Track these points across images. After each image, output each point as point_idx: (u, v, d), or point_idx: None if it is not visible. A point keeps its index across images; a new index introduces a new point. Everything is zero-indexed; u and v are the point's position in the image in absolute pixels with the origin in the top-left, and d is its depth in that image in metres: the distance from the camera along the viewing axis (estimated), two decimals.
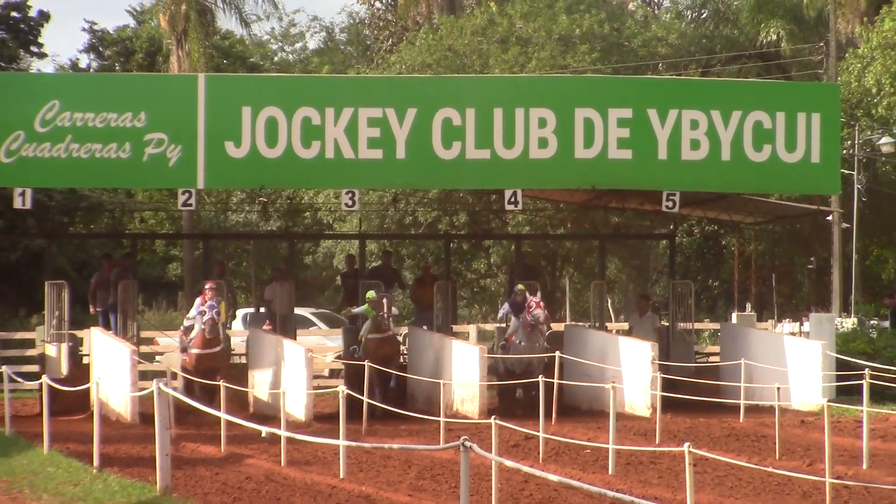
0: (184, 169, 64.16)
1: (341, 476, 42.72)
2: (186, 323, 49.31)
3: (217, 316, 46.72)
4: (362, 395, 48.72)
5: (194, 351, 45.48)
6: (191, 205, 69.36)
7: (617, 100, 67.06)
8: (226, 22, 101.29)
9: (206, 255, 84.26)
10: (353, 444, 43.78)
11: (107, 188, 70.72)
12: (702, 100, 67.91)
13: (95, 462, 43.44)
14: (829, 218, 66.97)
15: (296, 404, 53.65)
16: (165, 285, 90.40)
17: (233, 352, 67.09)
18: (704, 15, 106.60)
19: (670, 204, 65.89)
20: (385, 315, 49.57)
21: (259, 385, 57.69)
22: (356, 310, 53.87)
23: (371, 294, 50.05)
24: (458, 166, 65.45)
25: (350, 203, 69.97)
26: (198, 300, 47.73)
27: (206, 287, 49.54)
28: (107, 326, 66.68)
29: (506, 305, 56.02)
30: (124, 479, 41.18)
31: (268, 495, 40.05)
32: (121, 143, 63.24)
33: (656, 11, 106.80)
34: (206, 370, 43.99)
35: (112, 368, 60.02)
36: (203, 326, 44.96)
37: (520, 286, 60.51)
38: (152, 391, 42.61)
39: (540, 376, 47.16)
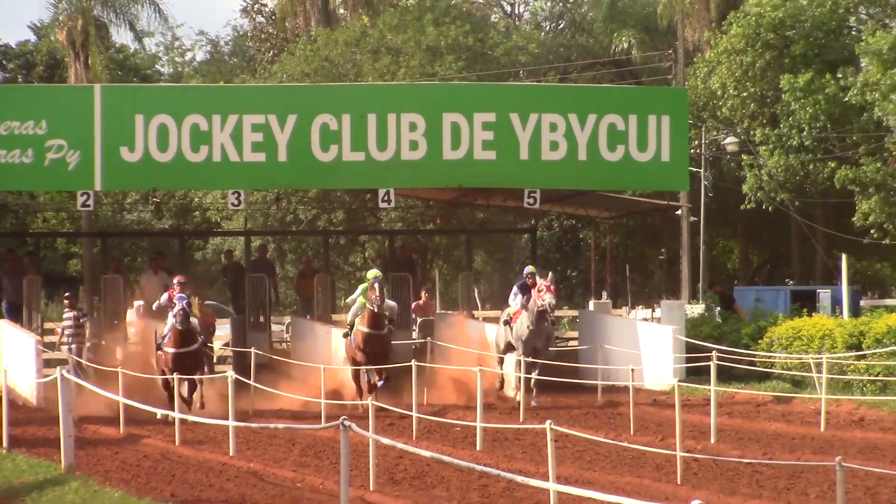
0: (82, 172, 64.49)
1: (231, 454, 42.85)
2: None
3: (188, 307, 44.24)
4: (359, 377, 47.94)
5: (170, 350, 42.88)
6: (89, 206, 69.86)
7: (481, 105, 67.11)
8: (120, 37, 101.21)
9: (104, 251, 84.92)
10: (242, 424, 44.06)
11: (10, 191, 70.68)
12: (560, 104, 67.92)
13: (4, 443, 44.01)
14: (678, 212, 67.39)
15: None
16: (67, 280, 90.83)
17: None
18: (562, 25, 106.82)
19: (531, 201, 66.33)
20: (373, 303, 45.63)
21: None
22: (351, 297, 49.58)
23: (372, 274, 46.65)
24: (335, 168, 65.46)
25: (236, 203, 70.82)
26: (164, 295, 45.70)
27: (175, 282, 47.44)
28: (11, 317, 67.25)
29: (515, 288, 52.69)
30: (31, 459, 41.86)
31: (163, 472, 40.17)
32: (24, 150, 63.64)
33: (517, 23, 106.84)
34: (184, 368, 41.48)
35: (18, 357, 61.30)
36: (174, 319, 41.99)
37: (530, 268, 57.24)
38: (55, 378, 43.06)
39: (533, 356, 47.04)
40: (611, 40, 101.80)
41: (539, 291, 46.89)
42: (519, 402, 48.19)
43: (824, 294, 76.86)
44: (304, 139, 64.10)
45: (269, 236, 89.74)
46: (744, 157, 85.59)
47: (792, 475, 36.19)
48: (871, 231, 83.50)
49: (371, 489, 33.25)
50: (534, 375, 46.95)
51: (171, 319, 43.92)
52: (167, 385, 43.65)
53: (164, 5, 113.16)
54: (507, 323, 47.51)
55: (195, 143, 63.96)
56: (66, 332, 66.32)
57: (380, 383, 46.62)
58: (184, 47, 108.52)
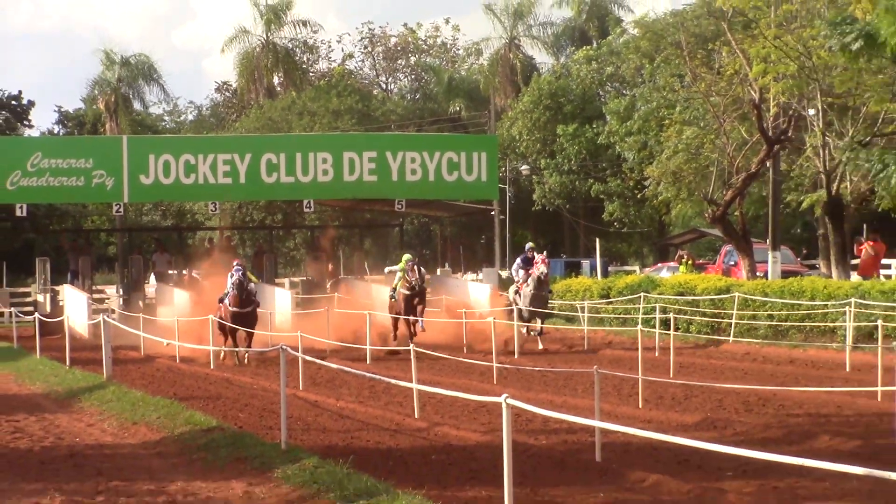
0: (115, 191, 64.73)
1: (211, 367, 43.25)
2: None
3: (243, 277, 42.36)
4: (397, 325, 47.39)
5: (231, 308, 40.93)
6: (120, 212, 71.71)
7: (367, 147, 66.84)
8: (138, 105, 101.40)
9: (130, 241, 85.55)
10: (223, 349, 45.10)
11: (70, 203, 70.75)
12: (417, 146, 67.88)
13: (67, 362, 44.23)
14: (493, 213, 67.52)
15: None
16: (107, 259, 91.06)
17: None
18: (417, 96, 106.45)
19: (399, 207, 65.90)
20: (411, 275, 45.92)
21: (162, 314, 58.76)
22: (394, 268, 50.89)
23: (406, 257, 47.27)
24: (276, 187, 65.67)
25: (213, 209, 72.21)
26: (231, 273, 43.16)
27: (235, 263, 45.11)
28: (73, 283, 68.05)
29: (518, 261, 50.31)
30: (84, 373, 41.65)
31: (168, 380, 40.78)
32: (78, 177, 63.83)
33: (389, 94, 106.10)
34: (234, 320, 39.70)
35: (76, 308, 61.74)
36: (233, 289, 40.60)
37: (530, 244, 54.18)
38: (99, 320, 43.86)
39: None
40: (449, 105, 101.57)
41: (536, 264, 46.03)
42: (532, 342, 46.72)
43: (586, 263, 78.04)
44: (255, 169, 64.45)
45: (234, 230, 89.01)
46: (534, 177, 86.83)
47: (567, 378, 36.65)
48: (615, 223, 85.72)
49: (300, 389, 34.04)
50: (539, 325, 45.84)
51: (229, 285, 42.58)
52: (222, 328, 42.03)
53: (167, 86, 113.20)
54: (517, 292, 45.91)
55: (187, 172, 64.19)
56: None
57: (420, 325, 46.04)
58: (179, 110, 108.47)
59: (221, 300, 42.80)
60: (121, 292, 67.43)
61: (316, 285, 64.97)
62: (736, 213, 60.92)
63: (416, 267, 45.83)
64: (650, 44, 72.96)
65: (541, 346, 46.14)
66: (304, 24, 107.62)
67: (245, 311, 40.68)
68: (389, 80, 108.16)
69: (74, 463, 24.25)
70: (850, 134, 57.26)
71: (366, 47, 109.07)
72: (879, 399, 25.32)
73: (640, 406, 28.06)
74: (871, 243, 50.32)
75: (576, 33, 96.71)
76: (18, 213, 67.30)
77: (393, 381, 28.80)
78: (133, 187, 65.02)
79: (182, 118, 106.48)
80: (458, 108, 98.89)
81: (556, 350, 48.91)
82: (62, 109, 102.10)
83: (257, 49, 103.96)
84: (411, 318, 43.86)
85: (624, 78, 79.12)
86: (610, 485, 20.21)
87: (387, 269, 52.24)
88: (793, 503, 17.85)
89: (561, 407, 22.03)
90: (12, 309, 64.00)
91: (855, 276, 49.75)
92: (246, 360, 40.81)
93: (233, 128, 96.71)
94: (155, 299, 61.53)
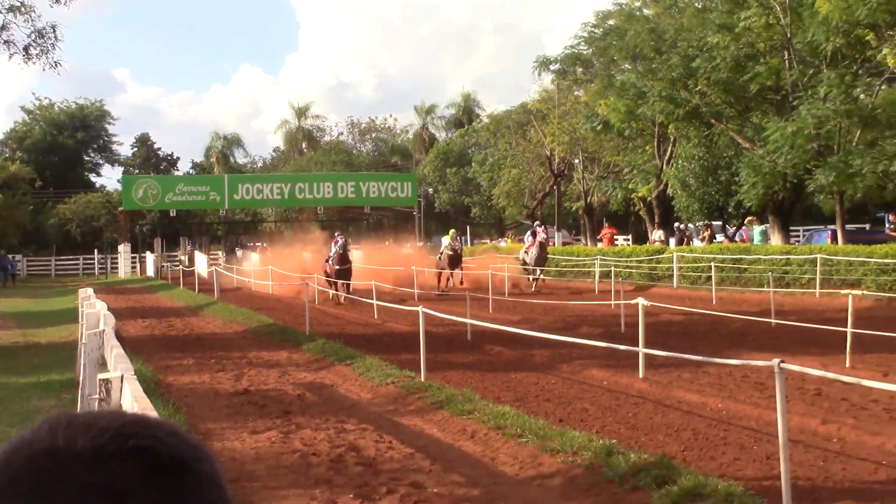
0: (220, 203, 64.22)
1: (271, 292, 42.02)
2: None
3: (341, 248, 37.12)
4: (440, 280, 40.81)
5: (335, 267, 35.97)
6: (224, 214, 70.44)
7: (350, 179, 66.26)
8: (232, 159, 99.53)
9: (228, 229, 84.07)
10: (330, 291, 43.73)
11: (197, 209, 69.09)
12: (375, 179, 67.29)
13: (196, 290, 43.85)
14: (414, 213, 66.32)
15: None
16: (217, 237, 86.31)
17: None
18: (376, 153, 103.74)
19: (366, 209, 65.39)
20: (455, 243, 40.60)
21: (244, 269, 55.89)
22: (442, 238, 43.46)
23: (452, 232, 41.57)
24: (303, 200, 65.46)
25: (270, 212, 71.38)
26: (334, 244, 38.26)
27: (336, 235, 40.57)
28: (199, 250, 65.54)
29: (528, 233, 42.82)
30: (205, 296, 40.57)
31: (251, 300, 39.01)
32: (201, 196, 63.55)
33: (362, 153, 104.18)
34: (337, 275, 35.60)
35: (201, 263, 57.90)
36: (337, 251, 36.33)
37: (537, 222, 46.61)
38: (213, 269, 43.37)
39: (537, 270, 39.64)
40: (392, 158, 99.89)
41: (537, 233, 40.06)
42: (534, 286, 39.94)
43: (465, 239, 76.77)
44: (293, 191, 64.07)
45: (278, 223, 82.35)
46: (435, 195, 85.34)
47: (456, 299, 35.70)
48: (477, 218, 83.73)
49: (316, 303, 32.46)
50: (540, 276, 39.98)
51: (333, 249, 37.62)
52: (329, 280, 37.05)
53: (247, 148, 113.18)
54: (525, 252, 40.92)
55: (258, 193, 64.36)
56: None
57: (460, 277, 40.73)
58: (254, 161, 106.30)
59: (327, 261, 37.94)
60: (223, 255, 66.77)
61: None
62: (538, 212, 61.46)
63: (459, 237, 41.99)
64: (494, 126, 72.94)
65: (533, 289, 38.74)
66: (317, 116, 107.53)
67: (345, 268, 36.82)
68: (361, 146, 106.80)
69: (199, 343, 24.39)
70: (596, 173, 57.73)
71: (349, 129, 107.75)
72: (612, 307, 25.30)
73: (490, 311, 27.88)
74: (608, 228, 50.21)
75: (456, 121, 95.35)
76: (172, 214, 67.56)
77: (365, 299, 28.81)
78: (230, 201, 64.84)
79: (255, 165, 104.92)
80: (396, 160, 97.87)
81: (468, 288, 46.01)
82: (194, 161, 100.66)
83: (293, 129, 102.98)
84: (452, 272, 40.36)
85: (481, 144, 78.44)
86: (475, 352, 20.48)
87: (442, 240, 43.48)
88: (568, 360, 17.96)
89: (451, 312, 22.03)
90: (168, 263, 63.42)
91: (599, 245, 49.53)
92: (343, 300, 35.80)
93: (281, 170, 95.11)
94: (241, 259, 60.64)
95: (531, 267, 39.62)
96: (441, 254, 41.27)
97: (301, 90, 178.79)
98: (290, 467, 10.95)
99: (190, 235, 74.43)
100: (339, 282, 36.24)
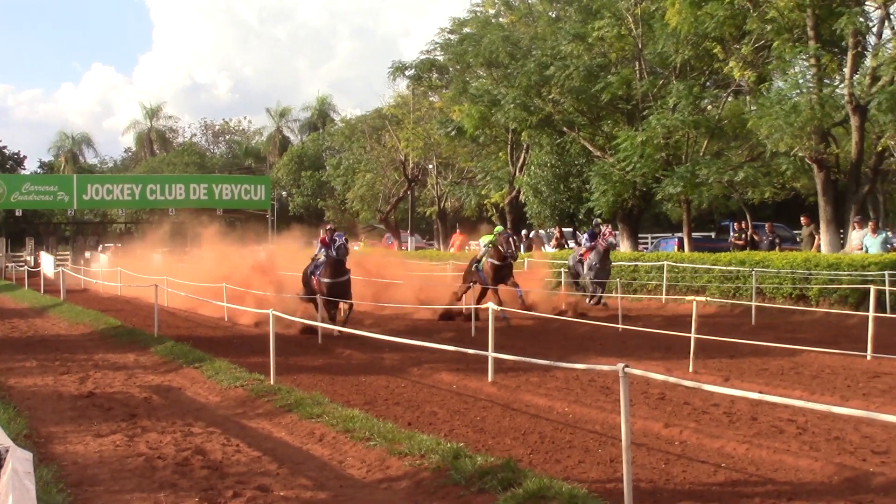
0: (69, 203, 63.16)
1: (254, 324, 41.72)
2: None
3: (341, 251, 25.04)
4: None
5: (325, 280, 25.30)
6: (72, 214, 68.54)
7: (202, 181, 65.62)
8: (81, 159, 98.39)
9: (76, 229, 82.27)
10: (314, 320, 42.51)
11: (44, 209, 68.22)
12: (229, 181, 66.94)
13: (41, 291, 42.43)
14: (267, 215, 65.67)
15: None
16: (64, 238, 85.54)
17: None
18: (231, 156, 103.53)
19: (219, 212, 64.44)
20: (505, 246, 27.38)
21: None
22: (480, 241, 31.49)
23: (498, 229, 28.56)
24: (154, 202, 64.37)
25: (120, 213, 69.16)
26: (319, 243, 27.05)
27: (328, 228, 27.66)
28: (46, 250, 63.99)
29: (587, 234, 31.37)
30: (51, 297, 39.34)
31: (94, 300, 37.81)
32: (49, 195, 62.51)
33: (216, 155, 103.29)
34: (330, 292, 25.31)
35: (47, 263, 57.51)
36: (332, 255, 24.74)
37: (598, 219, 34.38)
38: (60, 270, 42.13)
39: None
40: (245, 161, 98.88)
41: (604, 236, 29.05)
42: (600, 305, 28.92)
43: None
44: (144, 192, 63.28)
45: (129, 224, 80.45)
46: (289, 198, 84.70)
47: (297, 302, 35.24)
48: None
49: (167, 305, 31.23)
50: (600, 293, 28.76)
51: (323, 253, 26.38)
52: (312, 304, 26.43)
53: (97, 148, 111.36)
54: (580, 259, 29.82)
55: (108, 193, 63.04)
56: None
57: (520, 295, 27.18)
58: (105, 161, 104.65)
59: (313, 272, 26.71)
60: (70, 256, 65.38)
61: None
62: (392, 217, 61.70)
63: (509, 239, 28.21)
64: (349, 130, 72.79)
65: (603, 304, 28.93)
66: (170, 117, 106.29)
67: (341, 281, 25.60)
68: (215, 147, 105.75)
69: (43, 344, 23.92)
70: (450, 178, 58.07)
71: (203, 130, 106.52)
72: (464, 310, 25.41)
73: (342, 317, 27.83)
74: (459, 234, 50.50)
75: (311, 124, 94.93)
76: (17, 214, 65.92)
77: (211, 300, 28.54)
78: (79, 201, 63.67)
79: (106, 166, 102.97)
80: (250, 163, 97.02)
81: None
82: (42, 161, 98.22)
83: (144, 130, 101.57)
84: (500, 286, 27.24)
85: (336, 147, 78.18)
86: (326, 355, 20.54)
87: (482, 242, 30.86)
88: (418, 364, 18.10)
89: (304, 315, 21.94)
90: (13, 264, 61.89)
91: (451, 250, 49.83)
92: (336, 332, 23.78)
93: (132, 171, 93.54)
94: (90, 260, 59.40)
95: (588, 281, 29.32)
96: (479, 262, 28.39)
97: (155, 90, 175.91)
98: (135, 471, 10.78)
99: (36, 235, 72.72)
100: (334, 302, 25.35)
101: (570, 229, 46.30)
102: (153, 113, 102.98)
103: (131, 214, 75.91)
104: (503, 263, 26.96)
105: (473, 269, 28.31)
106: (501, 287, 27.06)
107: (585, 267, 29.16)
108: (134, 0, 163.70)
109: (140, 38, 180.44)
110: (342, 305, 25.16)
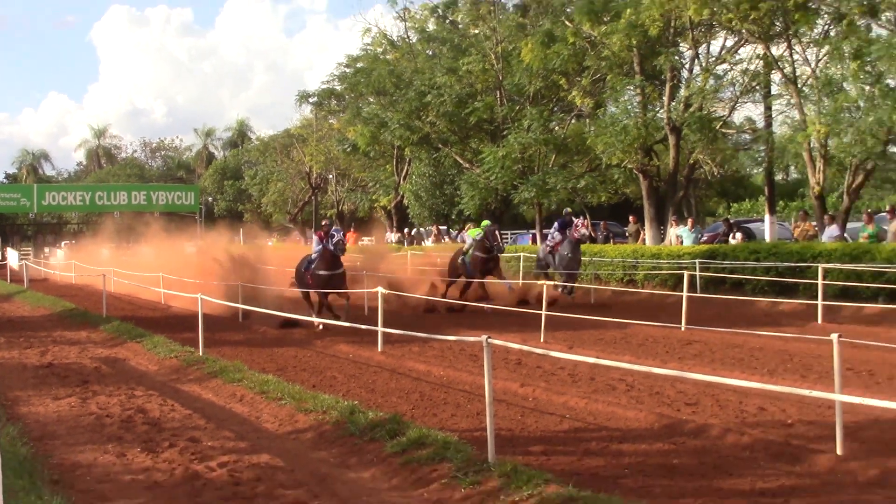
0: (31, 207, 61.18)
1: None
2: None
3: (339, 245, 20.44)
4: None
5: (321, 272, 20.79)
6: (33, 217, 65.76)
7: (142, 189, 63.69)
8: (41, 171, 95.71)
9: (36, 229, 79.80)
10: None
11: (10, 212, 65.53)
12: (165, 189, 65.54)
13: (8, 281, 41.38)
14: (196, 217, 63.87)
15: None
16: (27, 236, 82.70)
17: None
18: (165, 168, 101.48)
19: (154, 215, 62.06)
20: (491, 239, 23.64)
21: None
22: (466, 235, 27.54)
23: (485, 223, 25.10)
24: (103, 206, 62.62)
25: (74, 216, 66.81)
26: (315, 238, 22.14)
27: (324, 221, 24.65)
28: (11, 247, 62.26)
29: (556, 224, 26.03)
30: (16, 285, 38.13)
31: (53, 288, 36.54)
32: (14, 201, 60.55)
33: (154, 168, 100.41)
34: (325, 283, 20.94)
35: (13, 257, 55.11)
36: (328, 249, 20.32)
37: (568, 209, 28.44)
38: (23, 263, 40.79)
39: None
40: (178, 172, 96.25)
41: (576, 228, 24.16)
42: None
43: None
44: (94, 199, 61.58)
45: (80, 224, 79.06)
46: (214, 203, 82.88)
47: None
48: (248, 221, 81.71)
49: (113, 290, 30.22)
50: (570, 284, 23.74)
51: (317, 246, 21.54)
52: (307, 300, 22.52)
53: (54, 161, 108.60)
54: (550, 250, 24.99)
55: (63, 199, 61.55)
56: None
57: (509, 287, 24.13)
58: (60, 173, 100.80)
59: (307, 267, 21.68)
60: (32, 251, 63.50)
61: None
62: (299, 218, 61.22)
63: (496, 232, 24.19)
64: (263, 147, 71.66)
65: (571, 297, 24.18)
66: (115, 136, 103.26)
67: (336, 273, 21.01)
68: (152, 161, 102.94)
69: (10, 324, 23.27)
70: (346, 186, 57.82)
71: (142, 147, 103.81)
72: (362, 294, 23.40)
73: (343, 313, 27.33)
74: (352, 232, 50.02)
75: (232, 142, 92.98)
76: None
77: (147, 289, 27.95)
78: (39, 206, 61.82)
79: (62, 176, 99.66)
80: (182, 174, 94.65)
81: None
82: (7, 173, 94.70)
83: (93, 147, 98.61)
84: (487, 279, 23.67)
85: (252, 161, 76.85)
86: (245, 331, 20.35)
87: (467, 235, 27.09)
88: (321, 337, 18.03)
89: (228, 299, 21.71)
90: None
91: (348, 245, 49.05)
92: (319, 326, 20.45)
93: (84, 181, 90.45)
94: (49, 255, 57.85)
95: (558, 272, 24.56)
96: (465, 254, 24.51)
97: (102, 114, 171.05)
98: (87, 427, 10.70)
99: (3, 234, 70.43)
100: (326, 294, 21.03)
101: (445, 227, 46.45)
102: (100, 133, 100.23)
103: (83, 217, 73.90)
104: (489, 256, 23.59)
105: (460, 262, 24.40)
106: (489, 279, 23.59)
107: (557, 258, 24.35)
108: (84, 40, 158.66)
109: (89, 71, 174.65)
110: (338, 300, 20.96)
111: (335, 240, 20.10)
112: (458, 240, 26.53)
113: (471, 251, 23.96)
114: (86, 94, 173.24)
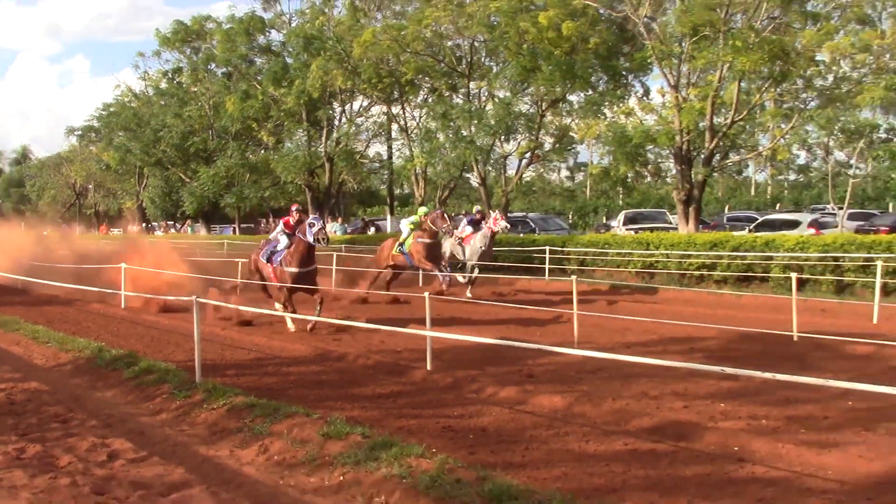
0: None
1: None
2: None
3: (320, 235, 10.96)
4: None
5: (291, 269, 11.29)
6: None
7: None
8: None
9: None
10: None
11: None
12: None
13: None
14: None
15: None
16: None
17: None
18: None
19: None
20: (440, 222, 14.57)
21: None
22: (405, 221, 15.86)
23: (427, 207, 19.52)
24: None
25: None
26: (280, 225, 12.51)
27: (294, 209, 12.40)
28: None
29: (465, 220, 17.18)
30: None
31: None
32: None
33: None
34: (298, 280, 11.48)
35: None
36: (305, 241, 11.09)
37: (478, 206, 22.63)
38: None
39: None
40: None
41: (495, 220, 16.16)
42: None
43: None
44: None
45: None
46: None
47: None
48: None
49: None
50: (475, 273, 16.05)
51: (283, 241, 11.97)
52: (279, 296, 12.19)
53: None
54: (460, 242, 16.55)
55: None
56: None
57: (447, 281, 15.02)
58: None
59: (269, 258, 12.15)
60: None
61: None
62: (67, 216, 56.29)
63: (444, 215, 15.03)
64: (40, 165, 64.40)
65: (469, 295, 15.30)
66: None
67: (308, 271, 11.50)
68: None
69: None
70: (101, 193, 53.71)
71: None
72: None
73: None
74: (104, 227, 46.69)
75: (17, 161, 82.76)
76: None
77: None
78: None
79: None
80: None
81: None
82: None
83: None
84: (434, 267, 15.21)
85: (32, 175, 68.59)
86: (27, 295, 18.29)
87: (403, 223, 15.86)
88: (81, 300, 16.74)
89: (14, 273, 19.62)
90: None
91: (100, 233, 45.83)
92: (304, 327, 11.65)
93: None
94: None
95: (471, 263, 16.55)
96: (402, 243, 15.54)
97: None
98: None
99: None
100: (298, 289, 11.83)
101: (172, 222, 44.90)
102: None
103: None
104: (435, 241, 15.20)
105: (397, 251, 15.61)
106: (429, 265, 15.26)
107: (469, 249, 16.59)
108: None
109: None
110: (316, 297, 11.75)
111: (315, 229, 11.27)
112: (465, 229, 17.38)
113: (410, 239, 15.33)
114: None
